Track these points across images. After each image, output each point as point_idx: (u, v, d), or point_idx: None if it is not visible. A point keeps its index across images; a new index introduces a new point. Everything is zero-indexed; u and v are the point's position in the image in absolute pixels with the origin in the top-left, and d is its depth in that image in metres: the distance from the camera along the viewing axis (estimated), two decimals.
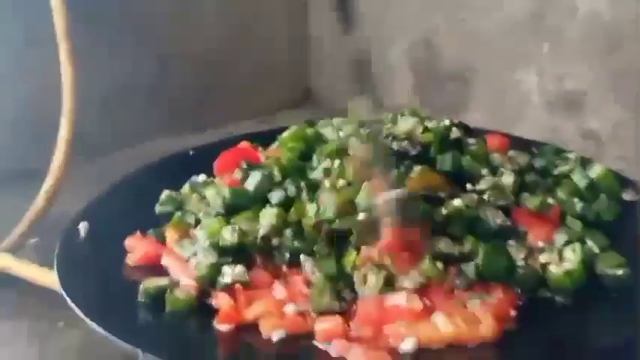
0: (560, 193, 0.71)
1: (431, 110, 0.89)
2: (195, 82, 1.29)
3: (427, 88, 1.29)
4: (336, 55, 1.36)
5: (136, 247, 0.68)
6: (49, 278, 0.88)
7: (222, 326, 0.59)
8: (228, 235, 0.65)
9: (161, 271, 0.66)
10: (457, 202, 0.65)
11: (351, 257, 0.62)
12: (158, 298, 0.62)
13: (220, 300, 0.61)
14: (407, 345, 0.56)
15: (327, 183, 0.68)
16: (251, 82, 1.35)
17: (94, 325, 0.58)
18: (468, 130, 0.78)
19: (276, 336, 0.58)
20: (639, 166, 0.99)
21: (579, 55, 1.08)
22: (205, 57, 1.29)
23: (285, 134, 0.79)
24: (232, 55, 1.33)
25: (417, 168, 0.68)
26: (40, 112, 1.07)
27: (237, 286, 0.61)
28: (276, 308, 0.59)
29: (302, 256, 0.64)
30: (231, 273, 0.62)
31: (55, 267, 0.65)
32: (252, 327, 0.59)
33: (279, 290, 0.61)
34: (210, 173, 0.78)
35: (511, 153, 0.78)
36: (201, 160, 0.80)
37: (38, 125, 1.07)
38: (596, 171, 0.74)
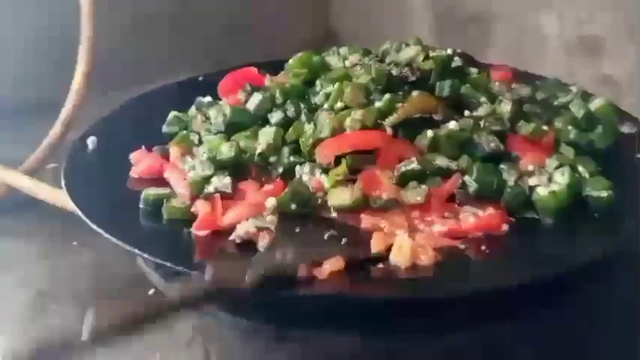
0: (557, 122, 0.72)
1: None
2: (218, 19, 1.31)
3: (447, 30, 1.28)
4: None
5: (141, 161, 0.71)
6: (63, 199, 0.91)
7: (199, 232, 0.61)
8: (226, 150, 0.67)
9: (163, 184, 0.68)
10: (452, 125, 0.67)
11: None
12: (157, 206, 0.64)
13: (198, 207, 0.63)
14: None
15: (325, 105, 0.70)
16: (272, 24, 1.36)
17: (90, 224, 0.61)
18: (471, 61, 0.78)
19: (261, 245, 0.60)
20: None
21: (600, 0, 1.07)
22: None
23: (291, 61, 0.81)
24: None
25: (415, 93, 0.69)
26: (63, 41, 1.09)
27: (217, 194, 0.64)
28: (251, 215, 0.61)
29: (297, 167, 0.66)
30: (215, 183, 0.64)
31: (62, 174, 0.68)
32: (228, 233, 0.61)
33: (250, 195, 0.63)
34: (217, 97, 0.80)
35: (514, 85, 0.79)
36: (211, 85, 0.82)
37: (60, 54, 1.08)
38: (596, 104, 0.75)
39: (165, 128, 0.77)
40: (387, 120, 0.67)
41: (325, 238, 0.59)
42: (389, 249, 0.58)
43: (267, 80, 0.80)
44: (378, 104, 0.68)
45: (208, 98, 0.79)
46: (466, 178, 0.64)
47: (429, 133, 0.66)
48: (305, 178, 0.65)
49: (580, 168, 0.66)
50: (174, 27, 1.26)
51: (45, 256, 0.96)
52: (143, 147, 0.72)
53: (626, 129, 0.75)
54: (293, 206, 0.62)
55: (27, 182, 0.99)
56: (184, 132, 0.74)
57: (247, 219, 0.61)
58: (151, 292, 0.76)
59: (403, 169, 0.63)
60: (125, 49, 1.18)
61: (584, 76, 1.10)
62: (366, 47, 0.83)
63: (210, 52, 1.29)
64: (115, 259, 0.92)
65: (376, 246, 0.58)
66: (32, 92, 1.12)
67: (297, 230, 0.60)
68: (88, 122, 0.80)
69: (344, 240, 0.59)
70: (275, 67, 0.83)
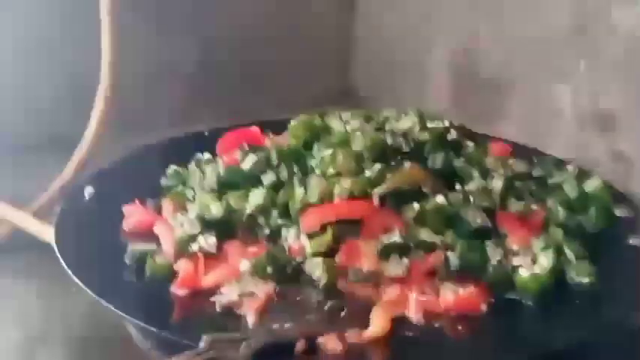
0: (550, 202, 0.72)
1: (465, 118, 0.90)
2: (237, 72, 1.33)
3: (463, 96, 1.29)
4: (378, 55, 1.38)
5: (133, 214, 0.72)
6: None
7: (179, 291, 0.62)
8: (215, 210, 0.68)
9: (153, 239, 0.69)
10: (439, 199, 0.67)
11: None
12: (143, 261, 0.65)
13: (180, 266, 0.64)
14: None
15: (317, 170, 0.71)
16: (293, 77, 1.38)
17: (72, 277, 0.61)
18: (469, 134, 0.79)
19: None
20: None
21: (616, 74, 1.07)
22: (250, 48, 1.32)
23: (293, 122, 0.82)
24: (276, 48, 1.36)
25: (407, 164, 0.70)
26: (83, 79, 1.11)
27: (200, 254, 0.64)
28: (231, 279, 0.62)
29: (284, 229, 0.67)
30: (201, 242, 0.65)
31: (54, 225, 0.69)
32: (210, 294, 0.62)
33: (234, 257, 0.64)
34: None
35: (511, 161, 0.79)
36: (214, 140, 0.83)
37: (82, 95, 1.11)
38: (591, 184, 0.75)
39: (163, 182, 0.78)
40: (375, 190, 0.67)
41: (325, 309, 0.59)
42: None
43: (269, 140, 0.81)
44: (368, 173, 0.69)
45: (207, 155, 0.80)
46: (449, 253, 0.64)
47: (415, 206, 0.66)
48: (290, 241, 0.65)
49: (566, 251, 0.65)
50: (196, 76, 1.29)
51: (42, 298, 0.97)
52: (137, 200, 0.73)
53: (621, 212, 0.74)
54: (269, 270, 0.62)
55: (31, 223, 1.01)
56: (179, 187, 0.75)
57: (230, 283, 0.62)
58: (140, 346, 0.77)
59: (385, 241, 0.64)
60: (146, 96, 1.21)
61: (596, 151, 1.10)
62: (371, 111, 0.84)
63: (231, 102, 1.32)
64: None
65: (376, 323, 0.58)
66: (48, 129, 1.14)
67: (297, 299, 0.61)
68: (102, 165, 0.81)
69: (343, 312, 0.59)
70: (283, 125, 0.84)
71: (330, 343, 0.56)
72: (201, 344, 0.53)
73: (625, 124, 1.07)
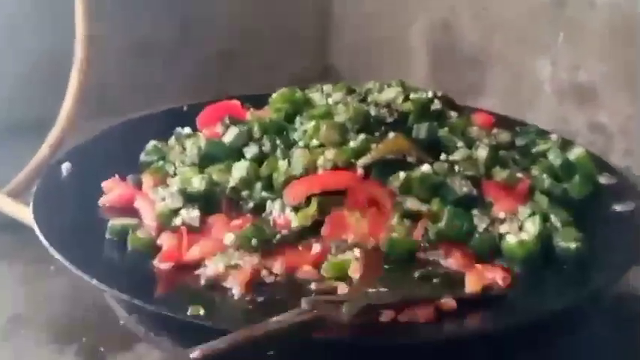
0: (534, 170, 0.72)
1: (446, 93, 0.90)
2: (216, 49, 1.31)
3: (444, 71, 1.29)
4: (357, 32, 1.37)
5: (113, 189, 0.70)
6: None
7: (162, 265, 0.61)
8: (197, 183, 0.67)
9: (133, 213, 0.68)
10: (425, 168, 0.67)
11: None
12: (124, 236, 0.64)
13: (163, 239, 0.63)
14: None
15: (301, 142, 0.70)
16: (271, 55, 1.37)
17: (52, 251, 0.60)
18: (453, 105, 0.78)
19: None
20: None
21: (594, 47, 1.07)
22: (228, 25, 1.31)
23: (274, 95, 0.80)
24: (254, 27, 1.34)
25: (391, 134, 0.69)
26: (56, 63, 1.09)
27: (183, 227, 0.63)
28: (215, 252, 0.61)
29: (269, 202, 0.66)
30: (184, 216, 0.64)
31: (32, 201, 0.68)
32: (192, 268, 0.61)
33: (217, 230, 0.63)
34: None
35: (494, 131, 0.79)
36: (194, 116, 0.82)
37: (56, 75, 1.09)
38: (575, 153, 0.75)
39: (142, 157, 0.77)
40: (359, 160, 0.66)
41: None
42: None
43: (250, 114, 0.80)
44: (352, 144, 0.68)
45: (187, 129, 0.79)
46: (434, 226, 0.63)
47: (401, 174, 0.65)
48: (274, 214, 0.64)
49: (552, 217, 0.65)
50: (173, 53, 1.27)
51: (21, 280, 0.95)
52: (116, 175, 0.72)
53: (604, 180, 0.74)
54: (254, 242, 0.61)
55: (7, 203, 0.99)
56: (159, 162, 0.74)
57: (215, 256, 0.61)
58: (122, 322, 0.76)
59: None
60: (122, 74, 1.19)
61: (576, 123, 1.10)
62: (351, 85, 0.83)
63: (209, 79, 1.30)
64: (91, 286, 0.92)
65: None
66: (22, 113, 1.12)
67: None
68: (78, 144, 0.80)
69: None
70: (262, 100, 0.83)
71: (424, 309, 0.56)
72: (304, 305, 0.53)
73: (604, 96, 1.07)
